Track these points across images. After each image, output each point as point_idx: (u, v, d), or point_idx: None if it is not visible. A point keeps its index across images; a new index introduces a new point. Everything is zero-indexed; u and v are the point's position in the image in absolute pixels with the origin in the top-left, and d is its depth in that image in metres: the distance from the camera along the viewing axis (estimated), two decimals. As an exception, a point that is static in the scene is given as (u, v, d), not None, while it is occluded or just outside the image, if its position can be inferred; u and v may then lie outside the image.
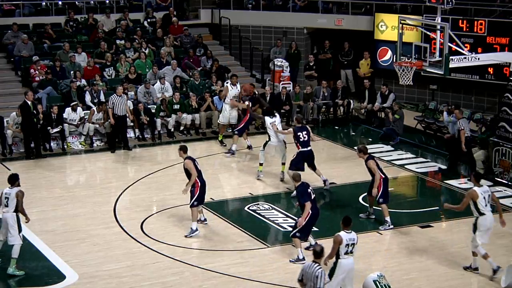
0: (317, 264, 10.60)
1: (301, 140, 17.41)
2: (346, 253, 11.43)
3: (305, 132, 17.51)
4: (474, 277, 13.46)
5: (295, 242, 14.00)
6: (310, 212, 13.82)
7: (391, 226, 15.49)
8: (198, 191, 14.91)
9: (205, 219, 15.62)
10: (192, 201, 14.94)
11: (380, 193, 15.38)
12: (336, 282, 11.54)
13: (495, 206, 13.64)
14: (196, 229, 15.03)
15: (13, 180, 13.50)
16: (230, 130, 21.70)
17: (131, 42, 24.75)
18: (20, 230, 13.32)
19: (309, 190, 14.03)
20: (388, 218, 15.52)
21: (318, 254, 10.76)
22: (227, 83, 23.21)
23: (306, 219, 13.77)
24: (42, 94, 21.84)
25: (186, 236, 14.93)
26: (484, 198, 13.20)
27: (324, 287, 10.60)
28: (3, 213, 13.34)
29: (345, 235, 11.45)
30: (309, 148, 17.50)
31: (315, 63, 25.74)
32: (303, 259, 13.74)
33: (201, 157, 19.92)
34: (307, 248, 14.09)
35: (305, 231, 13.96)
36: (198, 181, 14.90)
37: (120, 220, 16.03)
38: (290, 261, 13.95)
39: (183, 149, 15.21)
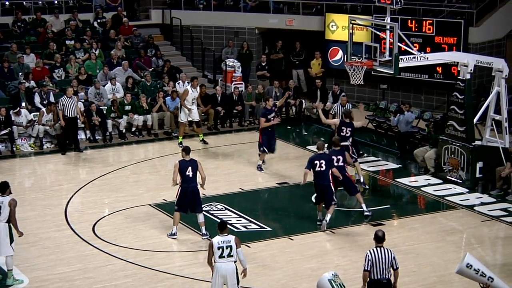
0: (382, 248, 11.12)
1: (342, 134, 17.61)
2: (220, 256, 11.42)
3: (349, 129, 17.70)
4: (426, 273, 13.63)
5: (319, 208, 15.60)
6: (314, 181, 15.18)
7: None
8: (177, 196, 14.76)
9: (205, 234, 14.92)
10: (175, 204, 14.90)
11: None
12: (213, 286, 11.55)
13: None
14: (174, 234, 14.95)
15: (4, 188, 12.92)
16: (191, 128, 21.70)
17: (81, 42, 24.47)
18: (11, 240, 12.89)
19: (316, 162, 15.02)
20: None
21: (380, 238, 11.22)
22: (179, 83, 23.23)
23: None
24: (-11, 96, 21.49)
25: (168, 235, 14.99)
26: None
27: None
28: None
29: (218, 239, 11.51)
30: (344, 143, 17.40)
31: (267, 63, 25.80)
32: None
33: (154, 158, 19.81)
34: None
35: (317, 199, 15.59)
36: (180, 185, 14.72)
37: (71, 223, 15.84)
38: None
39: (184, 150, 14.99)
